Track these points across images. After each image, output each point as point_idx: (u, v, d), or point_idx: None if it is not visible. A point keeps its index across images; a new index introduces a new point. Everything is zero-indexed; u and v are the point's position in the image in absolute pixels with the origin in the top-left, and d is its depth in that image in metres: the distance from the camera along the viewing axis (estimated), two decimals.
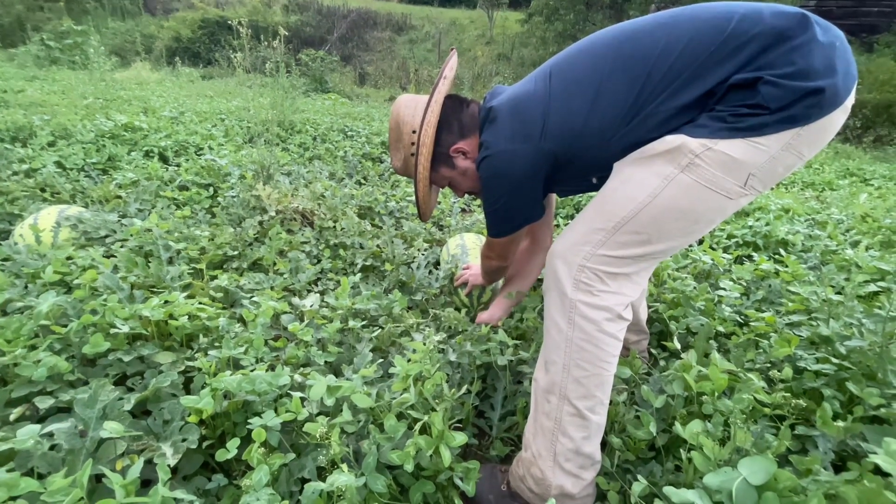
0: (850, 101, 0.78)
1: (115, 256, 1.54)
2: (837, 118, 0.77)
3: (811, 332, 1.23)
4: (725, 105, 0.77)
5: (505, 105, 0.97)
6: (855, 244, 2.22)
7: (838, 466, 0.91)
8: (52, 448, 0.78)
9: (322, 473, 0.85)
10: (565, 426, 0.84)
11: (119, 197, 2.19)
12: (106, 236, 1.76)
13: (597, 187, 0.98)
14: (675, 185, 0.79)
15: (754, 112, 0.74)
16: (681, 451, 0.87)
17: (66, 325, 1.07)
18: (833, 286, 1.57)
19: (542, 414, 0.87)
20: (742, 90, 0.76)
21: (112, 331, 1.07)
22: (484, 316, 1.35)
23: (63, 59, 8.65)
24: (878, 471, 0.71)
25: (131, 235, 1.68)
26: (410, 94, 1.11)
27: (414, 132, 1.05)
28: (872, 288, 1.57)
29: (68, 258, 1.46)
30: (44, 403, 0.87)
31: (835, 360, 1.08)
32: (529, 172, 0.94)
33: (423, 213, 1.20)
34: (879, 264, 1.69)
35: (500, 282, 1.65)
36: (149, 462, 0.79)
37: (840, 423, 0.88)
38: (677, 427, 0.87)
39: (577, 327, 0.82)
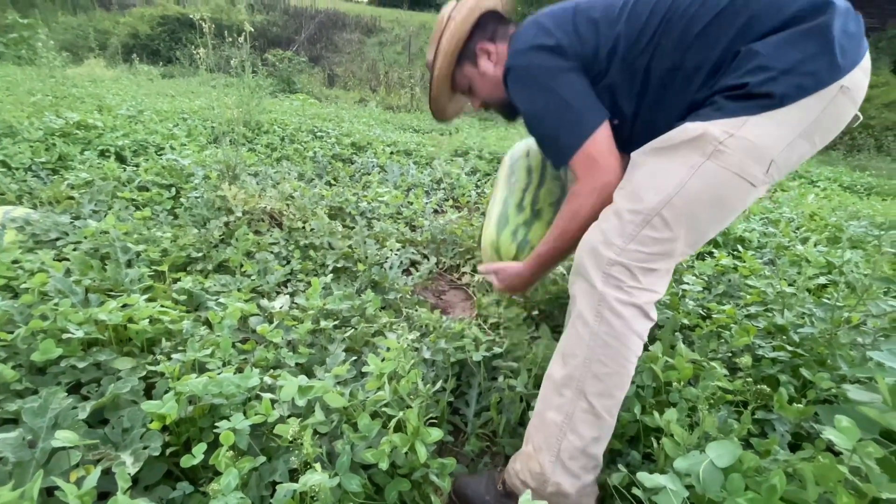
0: (859, 90, 0.78)
1: (68, 260, 1.45)
2: (845, 106, 0.77)
3: (768, 322, 1.30)
4: (734, 76, 0.78)
5: (533, 16, 0.99)
6: (805, 240, 2.36)
7: (795, 446, 0.96)
8: None
9: (294, 476, 0.82)
10: (576, 423, 0.81)
11: (71, 198, 2.06)
12: (57, 239, 1.66)
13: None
14: (703, 174, 0.77)
15: (765, 77, 0.75)
16: (652, 439, 0.90)
17: (12, 332, 1.00)
18: (786, 279, 1.66)
19: (550, 408, 0.84)
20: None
21: (64, 336, 1.00)
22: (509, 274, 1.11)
23: (8, 54, 8.09)
24: (830, 449, 0.76)
25: (85, 237, 1.58)
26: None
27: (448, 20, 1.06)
28: (821, 280, 1.68)
29: (14, 262, 1.36)
30: None
31: (789, 348, 1.14)
32: (563, 65, 0.91)
33: (434, 107, 1.16)
34: (827, 258, 1.80)
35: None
36: (106, 472, 0.75)
37: (795, 407, 0.93)
38: (655, 416, 0.90)
39: (604, 322, 0.80)
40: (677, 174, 0.79)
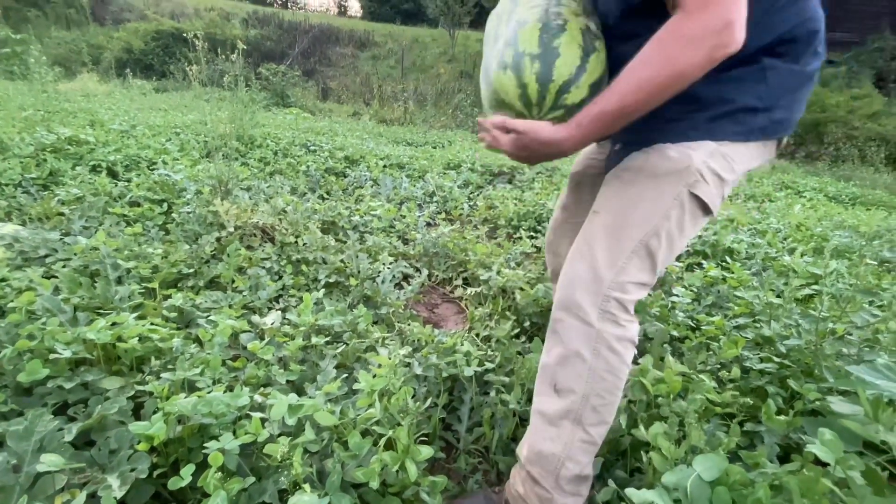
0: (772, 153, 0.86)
1: (57, 277, 1.44)
2: (764, 159, 0.84)
3: (755, 333, 1.31)
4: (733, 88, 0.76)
5: None
6: (791, 251, 2.40)
7: (784, 458, 0.97)
8: None
9: (284, 496, 0.82)
10: (575, 452, 0.83)
11: (62, 214, 2.05)
12: (46, 256, 1.65)
13: None
14: (683, 204, 0.80)
15: (753, 104, 0.77)
16: (641, 452, 0.91)
17: None
18: (773, 290, 1.68)
19: (546, 439, 0.84)
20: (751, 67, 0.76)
21: (52, 356, 0.99)
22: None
23: None
24: (818, 461, 0.77)
25: (75, 254, 1.58)
26: None
27: None
28: (807, 291, 1.70)
29: (2, 280, 1.35)
30: None
31: (776, 359, 1.16)
32: None
33: None
34: (812, 269, 1.83)
35: None
36: (93, 496, 0.74)
37: (783, 418, 0.94)
38: (641, 429, 0.90)
39: (601, 358, 0.81)
40: (663, 205, 0.80)
